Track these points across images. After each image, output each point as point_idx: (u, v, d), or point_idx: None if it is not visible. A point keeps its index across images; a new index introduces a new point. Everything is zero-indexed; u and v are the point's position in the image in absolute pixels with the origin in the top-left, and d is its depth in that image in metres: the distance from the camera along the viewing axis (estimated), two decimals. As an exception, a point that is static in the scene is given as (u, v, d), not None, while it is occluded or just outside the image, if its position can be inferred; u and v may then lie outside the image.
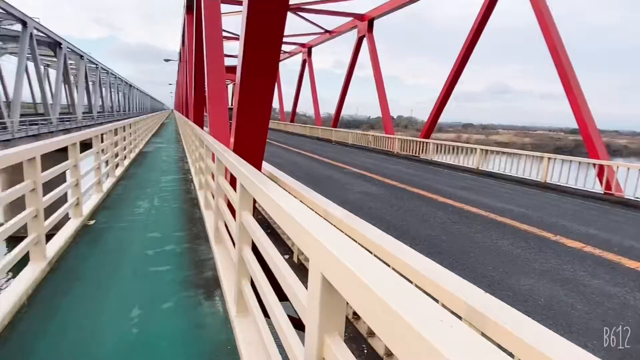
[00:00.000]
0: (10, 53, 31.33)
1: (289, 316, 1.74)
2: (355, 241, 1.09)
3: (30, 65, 29.05)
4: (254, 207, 2.46)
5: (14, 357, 2.17)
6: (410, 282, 0.84)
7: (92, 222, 4.84)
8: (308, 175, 10.39)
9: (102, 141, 6.52)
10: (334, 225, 1.29)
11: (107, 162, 7.16)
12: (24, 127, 20.14)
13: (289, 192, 1.82)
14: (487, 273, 4.23)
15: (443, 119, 17.71)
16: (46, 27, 25.55)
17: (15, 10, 20.81)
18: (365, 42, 21.32)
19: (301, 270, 3.95)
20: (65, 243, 3.93)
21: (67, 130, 24.96)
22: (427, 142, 16.13)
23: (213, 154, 4.21)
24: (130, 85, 67.53)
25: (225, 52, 8.28)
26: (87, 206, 5.20)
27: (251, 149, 4.72)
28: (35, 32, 23.44)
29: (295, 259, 4.21)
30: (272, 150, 16.81)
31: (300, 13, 21.46)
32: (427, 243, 5.10)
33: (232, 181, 3.17)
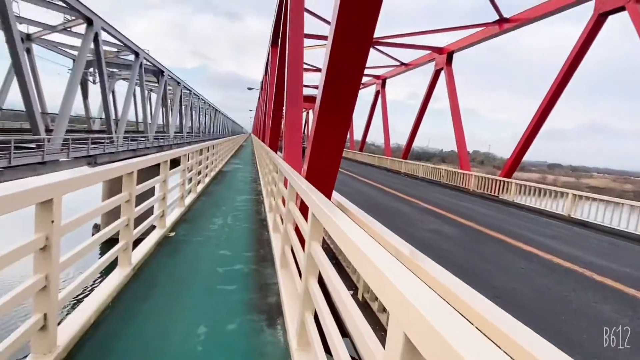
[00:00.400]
0: (123, 79, 36.65)
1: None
2: (427, 284, 0.96)
3: (137, 90, 33.66)
4: None
5: (92, 356, 2.33)
6: (499, 347, 0.71)
7: (172, 233, 5.22)
8: (375, 206, 10.18)
9: (188, 160, 7.13)
10: (404, 264, 1.17)
11: (190, 179, 7.79)
12: (126, 142, 23.10)
13: (359, 225, 1.73)
14: (585, 346, 3.60)
15: (526, 157, 16.29)
16: (153, 57, 29.53)
17: (131, 43, 24.48)
18: (442, 74, 20.92)
19: (365, 308, 3.76)
20: (148, 252, 4.26)
21: (160, 147, 28.08)
22: (508, 182, 14.92)
23: (285, 179, 4.31)
24: (216, 110, 74.22)
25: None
26: (170, 218, 5.64)
27: (323, 177, 4.76)
28: (144, 61, 27.23)
29: (359, 296, 4.03)
30: (339, 178, 16.85)
31: (377, 46, 21.89)
32: (510, 296, 4.56)
33: (302, 208, 3.18)
